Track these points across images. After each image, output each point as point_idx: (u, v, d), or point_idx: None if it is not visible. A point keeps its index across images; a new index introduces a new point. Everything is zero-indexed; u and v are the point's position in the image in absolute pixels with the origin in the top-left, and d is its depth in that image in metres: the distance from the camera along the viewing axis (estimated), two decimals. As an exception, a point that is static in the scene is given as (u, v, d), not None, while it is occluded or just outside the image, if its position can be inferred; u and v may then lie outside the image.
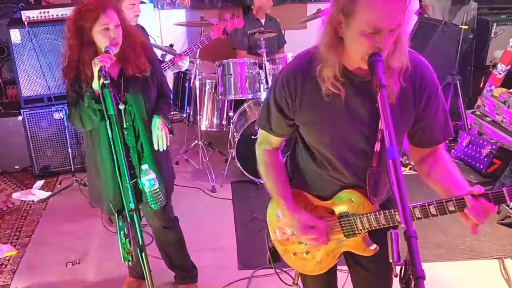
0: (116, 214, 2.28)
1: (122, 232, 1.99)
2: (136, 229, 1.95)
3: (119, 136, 1.90)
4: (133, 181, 2.03)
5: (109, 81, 1.93)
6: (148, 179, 2.17)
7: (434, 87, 1.54)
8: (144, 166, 2.19)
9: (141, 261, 1.96)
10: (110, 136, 1.93)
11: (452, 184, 1.50)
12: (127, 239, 1.97)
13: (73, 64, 2.21)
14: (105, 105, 1.90)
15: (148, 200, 2.26)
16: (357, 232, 1.65)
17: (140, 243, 1.95)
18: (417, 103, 1.54)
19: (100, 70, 1.96)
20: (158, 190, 2.22)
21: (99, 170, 2.36)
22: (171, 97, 2.64)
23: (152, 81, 2.37)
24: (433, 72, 1.55)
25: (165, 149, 2.37)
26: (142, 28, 3.55)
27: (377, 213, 1.58)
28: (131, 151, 2.33)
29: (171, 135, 2.40)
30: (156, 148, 2.34)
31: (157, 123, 2.34)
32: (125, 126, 2.29)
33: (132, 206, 1.94)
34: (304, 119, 1.60)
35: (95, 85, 2.06)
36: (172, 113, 4.15)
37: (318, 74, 1.48)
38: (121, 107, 2.26)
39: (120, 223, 2.02)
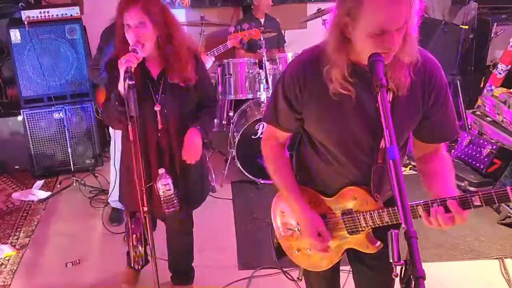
0: (129, 217, 2.25)
1: (134, 235, 1.96)
2: (149, 234, 1.92)
3: (140, 139, 1.87)
4: (150, 184, 1.99)
5: (133, 82, 1.89)
6: (163, 184, 2.16)
7: (443, 85, 1.54)
8: (161, 170, 2.16)
9: (152, 265, 1.93)
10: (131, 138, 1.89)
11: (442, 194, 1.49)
12: (138, 243, 1.95)
13: (114, 60, 2.13)
14: (129, 107, 1.87)
15: (162, 204, 2.23)
16: (360, 229, 1.65)
17: (151, 249, 1.93)
18: (425, 100, 1.53)
19: (125, 71, 1.91)
20: (172, 195, 2.20)
21: (130, 171, 2.30)
22: (217, 105, 2.48)
23: (195, 89, 2.29)
24: (442, 70, 1.55)
25: (192, 162, 2.28)
26: None
27: (380, 211, 1.58)
28: (164, 152, 2.29)
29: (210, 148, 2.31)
30: (184, 158, 2.26)
31: (189, 134, 2.25)
32: (159, 127, 2.24)
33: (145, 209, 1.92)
34: (311, 113, 1.60)
35: (120, 86, 2.01)
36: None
37: (325, 75, 1.48)
38: (157, 108, 2.22)
39: (132, 226, 2.00)
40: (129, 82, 1.89)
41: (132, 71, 1.93)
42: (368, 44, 1.37)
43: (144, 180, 1.95)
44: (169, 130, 2.27)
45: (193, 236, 2.72)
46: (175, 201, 2.23)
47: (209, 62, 3.81)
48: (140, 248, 1.99)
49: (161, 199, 2.19)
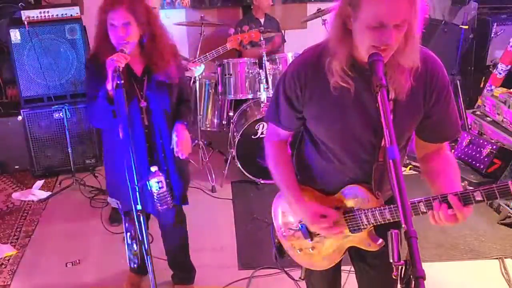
0: (123, 215, 2.25)
1: (128, 234, 1.96)
2: (143, 232, 1.92)
3: (131, 137, 1.87)
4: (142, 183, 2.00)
5: (122, 82, 1.90)
6: (156, 181, 2.16)
7: (445, 84, 1.53)
8: (154, 168, 2.17)
9: (146, 263, 1.93)
10: (121, 138, 1.89)
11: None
12: (133, 241, 1.95)
13: (95, 56, 2.14)
14: (118, 106, 1.87)
15: (155, 202, 2.25)
16: (362, 227, 1.64)
17: (146, 247, 1.92)
18: (427, 100, 1.53)
19: (114, 71, 1.92)
20: (165, 192, 2.21)
21: (116, 166, 2.33)
22: (190, 98, 2.61)
23: (177, 85, 2.35)
24: (444, 68, 1.54)
25: (187, 156, 2.34)
26: None
27: (382, 208, 1.57)
28: (153, 149, 2.31)
29: (196, 141, 2.36)
30: (177, 154, 2.31)
31: (179, 129, 2.32)
32: (146, 123, 2.26)
33: (139, 207, 1.92)
34: (313, 112, 1.60)
35: (109, 85, 2.00)
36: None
37: (327, 67, 1.49)
38: (142, 105, 2.23)
39: (126, 225, 2.00)
40: (118, 82, 1.89)
41: (121, 70, 1.94)
42: (366, 37, 1.37)
43: (135, 178, 1.95)
44: (155, 125, 2.30)
45: (186, 225, 2.71)
46: (168, 199, 2.25)
47: (197, 66, 3.82)
48: (135, 246, 2.00)
49: (154, 197, 2.20)
